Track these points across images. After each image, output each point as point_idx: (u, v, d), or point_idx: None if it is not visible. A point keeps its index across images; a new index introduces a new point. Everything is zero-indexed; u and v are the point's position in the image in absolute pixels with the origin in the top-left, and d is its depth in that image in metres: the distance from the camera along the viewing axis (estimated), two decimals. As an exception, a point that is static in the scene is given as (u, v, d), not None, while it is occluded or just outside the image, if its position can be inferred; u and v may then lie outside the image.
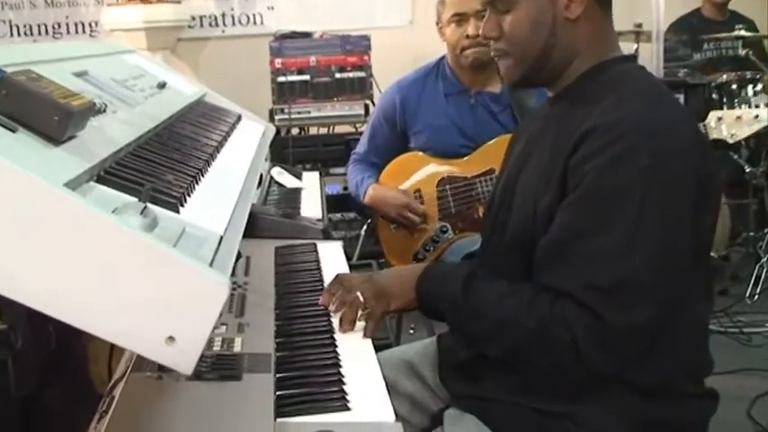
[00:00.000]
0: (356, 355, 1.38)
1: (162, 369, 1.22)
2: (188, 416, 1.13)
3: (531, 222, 1.35)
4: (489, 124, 2.73)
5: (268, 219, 2.03)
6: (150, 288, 0.80)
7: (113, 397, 1.18)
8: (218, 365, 1.26)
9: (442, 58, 2.85)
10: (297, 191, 2.60)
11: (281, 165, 2.89)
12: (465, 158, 2.74)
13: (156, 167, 1.13)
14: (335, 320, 1.50)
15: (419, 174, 2.79)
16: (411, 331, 3.52)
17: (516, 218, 1.41)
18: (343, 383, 1.25)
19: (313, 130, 4.15)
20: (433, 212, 2.74)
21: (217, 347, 1.33)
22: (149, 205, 0.91)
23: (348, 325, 1.47)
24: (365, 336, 1.46)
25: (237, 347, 1.34)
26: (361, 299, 1.50)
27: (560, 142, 1.33)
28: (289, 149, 3.77)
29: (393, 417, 1.18)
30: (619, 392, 1.32)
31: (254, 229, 1.98)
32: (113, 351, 1.57)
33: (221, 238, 0.99)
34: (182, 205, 1.03)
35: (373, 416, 1.19)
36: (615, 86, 1.34)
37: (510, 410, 1.38)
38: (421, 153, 2.79)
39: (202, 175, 1.23)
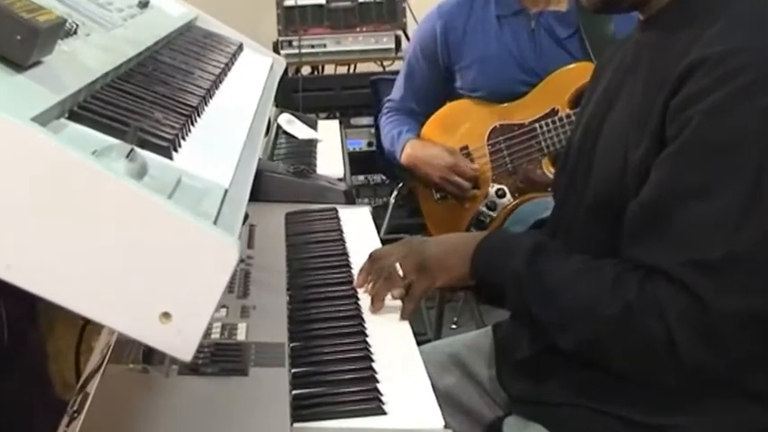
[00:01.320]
0: (392, 345, 1.39)
1: (147, 360, 1.24)
2: (182, 418, 1.14)
3: (620, 178, 1.34)
4: (554, 52, 2.69)
5: (276, 177, 2.05)
6: (140, 250, 0.79)
7: (87, 394, 1.20)
8: (219, 357, 1.28)
9: None
10: (311, 143, 2.61)
11: (290, 111, 2.90)
12: (522, 99, 2.71)
13: (141, 103, 1.13)
14: (365, 304, 1.51)
15: (466, 125, 2.77)
16: (453, 326, 3.55)
17: (600, 172, 1.40)
18: (377, 381, 1.27)
19: (329, 69, 4.12)
20: (486, 173, 2.73)
21: (216, 335, 1.36)
22: (136, 149, 0.92)
23: (381, 302, 1.49)
24: (402, 317, 1.48)
25: (241, 335, 1.37)
26: (401, 272, 1.53)
27: (657, 78, 1.32)
28: (298, 93, 3.76)
29: (441, 422, 1.19)
30: (725, 399, 1.31)
31: (258, 190, 2.00)
32: (82, 344, 1.59)
33: (226, 191, 0.99)
34: (175, 150, 1.01)
35: (416, 421, 1.20)
36: (725, 8, 1.32)
37: (587, 419, 1.38)
38: (468, 99, 2.77)
39: (198, 116, 1.22)
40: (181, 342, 0.82)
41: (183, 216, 0.81)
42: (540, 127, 2.68)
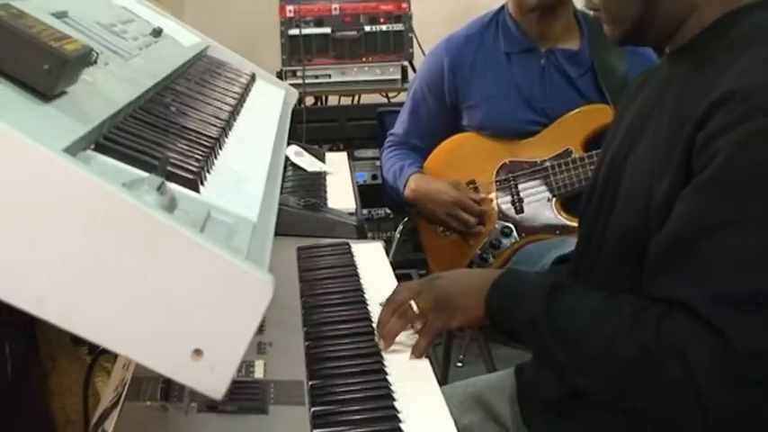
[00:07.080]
0: (412, 383, 1.39)
1: (166, 397, 1.26)
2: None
3: (643, 215, 1.34)
4: (565, 92, 2.69)
5: (288, 211, 2.07)
6: (173, 285, 0.80)
7: (104, 432, 1.23)
8: (237, 395, 1.29)
9: (502, 7, 2.82)
10: (320, 176, 2.62)
11: (296, 143, 2.90)
12: (533, 138, 2.71)
13: (164, 135, 1.15)
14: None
15: (474, 159, 2.76)
16: (459, 364, 3.57)
17: (624, 208, 1.40)
18: (399, 420, 1.27)
19: (333, 100, 4.14)
20: (493, 210, 2.72)
21: (233, 372, 1.37)
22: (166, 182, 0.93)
23: (390, 341, 1.49)
24: (414, 354, 1.48)
25: (259, 373, 1.38)
26: (416, 308, 1.53)
27: (684, 110, 1.32)
28: (302, 124, 3.75)
29: (467, 464, 1.22)
30: None
31: (268, 224, 2.03)
32: (91, 377, 1.59)
33: (254, 226, 1.01)
34: (201, 183, 1.04)
35: (442, 462, 1.22)
36: (753, 41, 1.32)
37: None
38: (476, 134, 2.76)
39: (220, 147, 1.25)
40: (213, 380, 0.85)
41: (218, 251, 0.83)
42: (553, 167, 2.65)
